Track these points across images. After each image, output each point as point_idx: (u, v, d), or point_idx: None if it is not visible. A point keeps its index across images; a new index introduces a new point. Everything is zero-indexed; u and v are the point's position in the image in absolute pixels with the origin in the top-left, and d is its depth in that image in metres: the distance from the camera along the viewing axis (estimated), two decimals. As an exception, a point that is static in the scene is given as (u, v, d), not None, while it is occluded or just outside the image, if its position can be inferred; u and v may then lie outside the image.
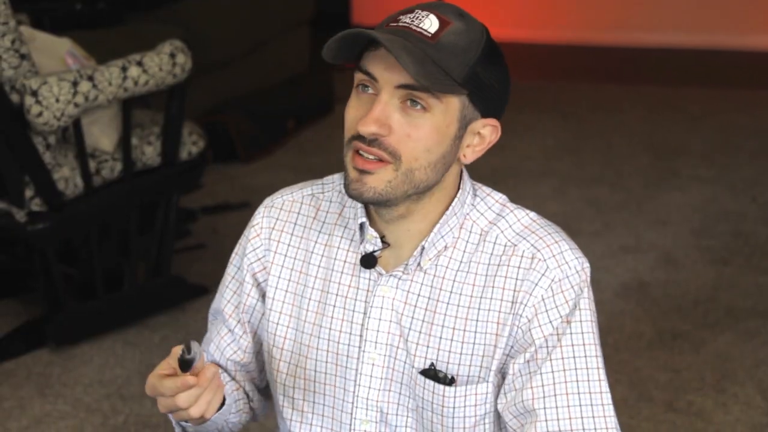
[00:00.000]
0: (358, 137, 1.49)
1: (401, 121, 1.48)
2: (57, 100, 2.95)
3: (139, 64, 3.12)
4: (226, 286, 1.73)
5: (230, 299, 1.72)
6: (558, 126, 5.35)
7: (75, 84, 2.99)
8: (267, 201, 1.70)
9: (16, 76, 2.98)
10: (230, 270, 1.73)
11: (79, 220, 3.17)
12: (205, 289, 3.50)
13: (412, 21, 1.47)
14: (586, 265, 1.58)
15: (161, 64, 3.17)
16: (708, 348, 3.21)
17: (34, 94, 2.93)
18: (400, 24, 1.48)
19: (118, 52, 3.21)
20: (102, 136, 3.22)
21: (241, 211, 4.18)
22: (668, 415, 2.88)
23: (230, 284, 1.72)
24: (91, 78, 3.02)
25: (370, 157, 1.49)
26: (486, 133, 1.55)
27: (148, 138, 3.32)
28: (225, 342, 1.72)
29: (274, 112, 5.15)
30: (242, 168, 4.76)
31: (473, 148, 1.55)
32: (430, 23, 1.47)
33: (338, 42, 1.47)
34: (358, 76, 1.50)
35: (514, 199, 1.64)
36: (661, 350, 3.20)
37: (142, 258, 3.44)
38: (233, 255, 1.72)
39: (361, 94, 1.51)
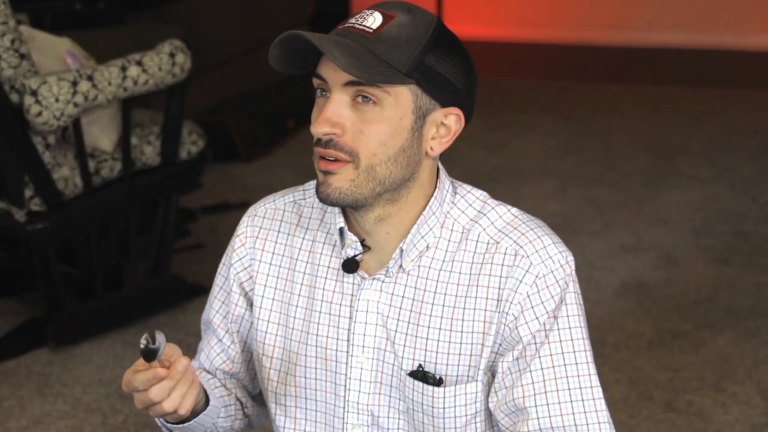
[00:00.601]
0: (317, 141, 1.50)
1: (353, 118, 1.48)
2: (56, 100, 2.95)
3: (139, 63, 3.12)
4: (214, 296, 1.73)
5: (218, 309, 1.72)
6: (558, 126, 5.35)
7: (74, 84, 2.99)
8: (250, 210, 1.70)
9: (16, 75, 2.98)
10: (218, 280, 1.73)
11: (78, 219, 3.17)
12: (205, 288, 3.50)
13: (357, 21, 1.48)
14: (570, 258, 1.56)
15: (161, 64, 3.17)
16: (708, 347, 3.21)
17: (34, 93, 2.93)
18: (346, 25, 1.49)
19: (118, 52, 3.22)
20: (101, 135, 3.22)
21: (241, 210, 4.13)
22: (668, 414, 2.88)
23: (218, 295, 1.73)
24: (90, 78, 3.02)
25: (330, 158, 1.49)
26: (450, 122, 1.53)
27: (147, 138, 3.32)
28: (215, 352, 1.72)
29: (275, 112, 5.16)
30: (242, 167, 4.76)
31: (439, 140, 1.53)
32: (373, 20, 1.48)
33: (279, 48, 1.48)
34: (314, 82, 1.51)
35: (514, 199, 1.63)
36: (661, 350, 3.20)
37: (141, 258, 3.44)
38: (220, 266, 1.72)
39: (319, 98, 1.52)
